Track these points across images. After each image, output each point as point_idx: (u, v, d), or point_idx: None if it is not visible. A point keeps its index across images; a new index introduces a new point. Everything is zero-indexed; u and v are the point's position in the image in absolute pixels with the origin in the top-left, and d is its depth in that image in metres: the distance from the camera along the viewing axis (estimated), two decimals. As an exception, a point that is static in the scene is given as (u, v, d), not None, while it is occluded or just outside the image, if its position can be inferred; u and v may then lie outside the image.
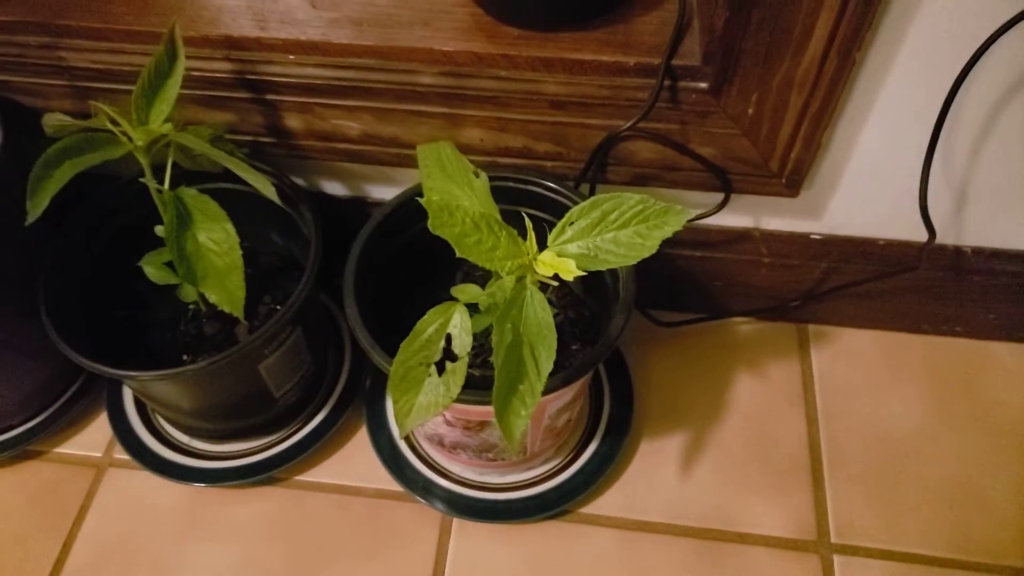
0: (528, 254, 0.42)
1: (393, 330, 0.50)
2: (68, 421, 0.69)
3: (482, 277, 0.59)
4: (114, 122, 0.50)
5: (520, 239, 0.42)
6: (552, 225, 0.43)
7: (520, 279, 0.42)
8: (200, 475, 0.65)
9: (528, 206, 0.58)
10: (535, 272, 0.42)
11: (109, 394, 0.70)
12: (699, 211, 0.60)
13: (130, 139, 0.51)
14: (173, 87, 0.51)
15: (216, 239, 0.54)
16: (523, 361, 0.41)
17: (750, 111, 0.52)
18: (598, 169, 0.59)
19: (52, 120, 0.51)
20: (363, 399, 0.69)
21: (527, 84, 0.53)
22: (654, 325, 0.73)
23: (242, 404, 0.62)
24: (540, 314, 0.42)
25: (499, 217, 0.43)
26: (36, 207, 0.48)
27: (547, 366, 0.41)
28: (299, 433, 0.67)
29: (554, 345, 0.41)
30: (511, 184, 0.58)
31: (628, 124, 0.53)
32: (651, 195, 0.43)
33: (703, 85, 0.52)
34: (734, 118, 0.53)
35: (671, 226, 0.42)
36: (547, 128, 0.56)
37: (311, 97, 0.57)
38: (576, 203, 0.43)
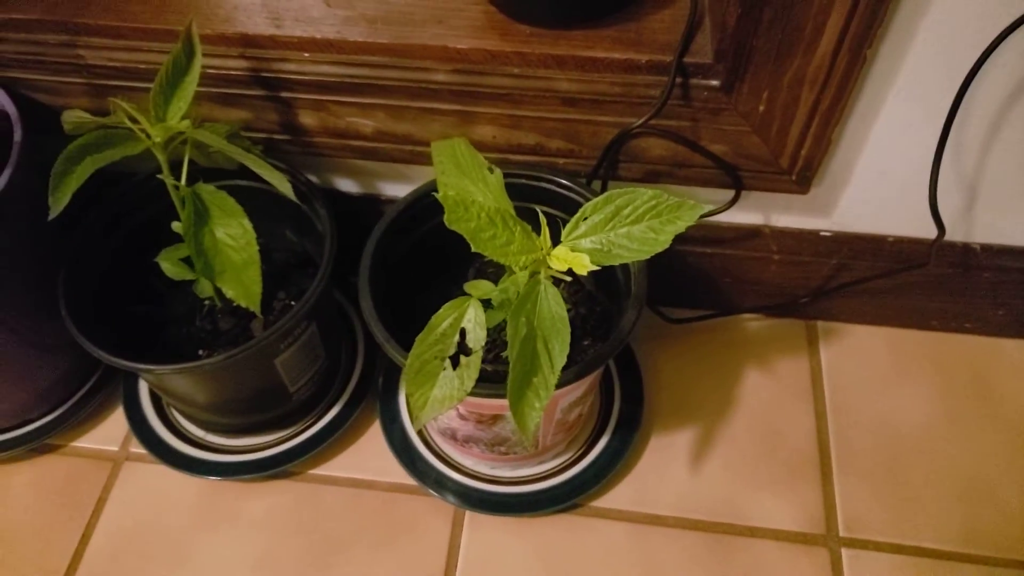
0: (542, 249, 0.43)
1: (406, 326, 0.50)
2: (85, 415, 0.69)
3: (494, 274, 0.60)
4: (132, 119, 0.51)
5: (534, 234, 0.43)
6: (565, 222, 0.44)
7: (534, 274, 0.43)
8: (215, 469, 0.66)
9: (540, 203, 0.58)
10: (549, 267, 0.43)
11: (125, 389, 0.71)
12: (710, 208, 0.60)
13: (148, 136, 0.51)
14: (190, 84, 0.51)
15: (233, 234, 0.54)
16: (537, 354, 0.42)
17: (761, 108, 0.53)
18: (610, 166, 0.59)
19: (71, 117, 0.51)
20: (376, 394, 0.69)
21: (540, 81, 0.54)
22: (664, 321, 0.73)
23: (257, 398, 0.63)
24: (554, 308, 0.42)
25: (513, 212, 0.43)
26: (58, 202, 0.49)
27: (561, 359, 0.42)
28: (313, 427, 0.67)
29: (567, 339, 0.42)
30: (523, 181, 0.58)
31: (640, 121, 0.54)
32: (662, 192, 0.43)
33: (714, 82, 0.52)
34: (745, 115, 0.53)
35: (684, 220, 0.42)
36: (559, 125, 0.57)
37: (325, 95, 0.57)
38: (588, 200, 0.43)
